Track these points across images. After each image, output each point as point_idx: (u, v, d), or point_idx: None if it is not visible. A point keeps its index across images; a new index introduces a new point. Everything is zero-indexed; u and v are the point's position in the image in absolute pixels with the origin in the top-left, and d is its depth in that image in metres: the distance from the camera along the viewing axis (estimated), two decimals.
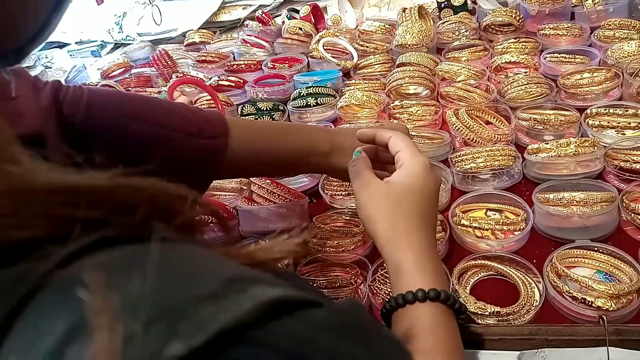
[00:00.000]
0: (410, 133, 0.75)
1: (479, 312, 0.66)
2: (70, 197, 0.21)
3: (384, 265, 0.72)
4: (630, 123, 0.88)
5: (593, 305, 0.63)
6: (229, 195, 0.96)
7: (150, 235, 0.22)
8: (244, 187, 0.95)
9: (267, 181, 0.88)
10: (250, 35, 1.56)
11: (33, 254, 0.20)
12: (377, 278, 0.71)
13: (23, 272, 0.20)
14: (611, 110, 0.91)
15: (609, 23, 1.18)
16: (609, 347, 0.60)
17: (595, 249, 0.71)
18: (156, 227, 0.23)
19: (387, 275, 0.71)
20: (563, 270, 0.67)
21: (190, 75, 1.38)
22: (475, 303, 0.66)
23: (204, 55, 1.50)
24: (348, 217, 0.86)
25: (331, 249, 0.79)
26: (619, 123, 0.89)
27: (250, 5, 1.78)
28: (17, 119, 0.44)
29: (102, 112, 0.58)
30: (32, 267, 0.20)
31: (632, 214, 0.74)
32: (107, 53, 1.83)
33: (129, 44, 1.79)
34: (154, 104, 0.63)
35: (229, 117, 0.69)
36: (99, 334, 0.17)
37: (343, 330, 0.21)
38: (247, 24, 1.64)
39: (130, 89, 1.45)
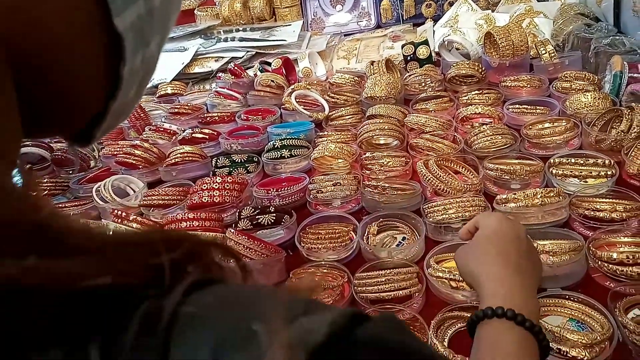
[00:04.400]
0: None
1: None
2: (152, 247, 0.24)
3: None
4: (591, 172, 0.93)
5: (568, 355, 0.64)
6: None
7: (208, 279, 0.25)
8: None
9: (243, 236, 0.88)
10: (223, 87, 1.58)
11: (143, 296, 0.23)
12: None
13: (154, 309, 0.22)
14: (573, 160, 0.95)
15: (566, 75, 1.25)
16: None
17: (567, 297, 0.73)
18: (217, 271, 0.27)
19: None
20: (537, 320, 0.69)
21: (163, 128, 1.39)
22: (454, 358, 0.67)
23: (177, 107, 1.52)
24: (326, 270, 0.87)
25: None
26: (581, 172, 0.94)
27: (223, 57, 1.81)
28: None
29: None
30: (161, 305, 0.22)
31: (599, 262, 0.77)
32: None
33: None
34: None
35: None
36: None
37: (401, 330, 0.26)
38: (220, 76, 1.67)
39: (102, 140, 1.45)
